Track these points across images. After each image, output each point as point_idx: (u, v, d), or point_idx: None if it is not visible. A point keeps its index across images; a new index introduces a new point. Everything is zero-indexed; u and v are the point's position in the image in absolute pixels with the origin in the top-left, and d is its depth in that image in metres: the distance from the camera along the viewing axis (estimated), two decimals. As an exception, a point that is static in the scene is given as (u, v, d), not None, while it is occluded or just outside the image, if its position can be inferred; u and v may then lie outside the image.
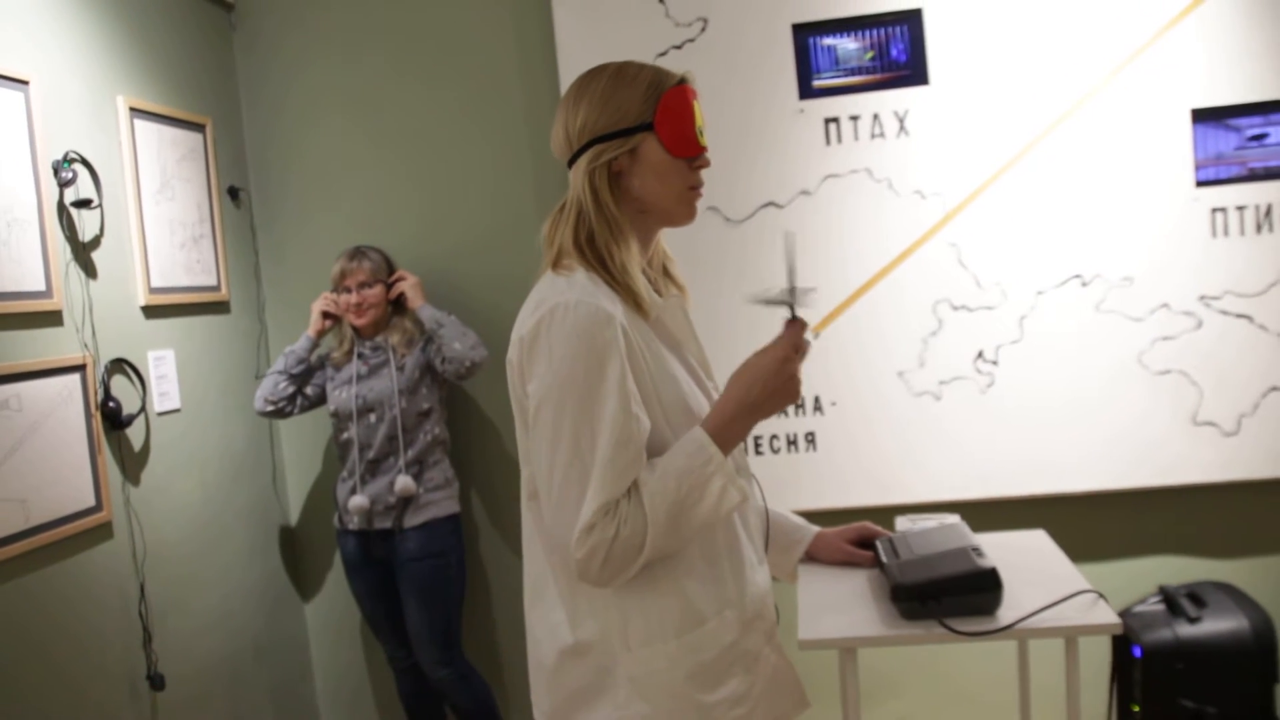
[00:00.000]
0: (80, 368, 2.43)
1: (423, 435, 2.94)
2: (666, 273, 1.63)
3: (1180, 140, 2.81)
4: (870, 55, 2.89)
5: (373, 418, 2.93)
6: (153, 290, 2.71)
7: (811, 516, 3.01)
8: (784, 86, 2.93)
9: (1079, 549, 2.95)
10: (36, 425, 2.30)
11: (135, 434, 2.62)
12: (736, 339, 2.99)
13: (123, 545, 2.53)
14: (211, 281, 3.00)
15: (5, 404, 2.22)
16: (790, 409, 2.98)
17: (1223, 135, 2.81)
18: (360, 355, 2.97)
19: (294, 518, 3.38)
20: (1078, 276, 2.86)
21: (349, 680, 3.40)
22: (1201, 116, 2.81)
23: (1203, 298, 2.83)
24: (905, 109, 2.88)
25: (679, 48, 2.96)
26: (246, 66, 3.26)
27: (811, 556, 1.82)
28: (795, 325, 1.44)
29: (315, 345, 2.99)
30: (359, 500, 2.91)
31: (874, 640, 1.52)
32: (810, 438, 2.99)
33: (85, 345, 2.46)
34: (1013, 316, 2.89)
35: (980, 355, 2.91)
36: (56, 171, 2.40)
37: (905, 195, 2.90)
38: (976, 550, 1.57)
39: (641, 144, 1.45)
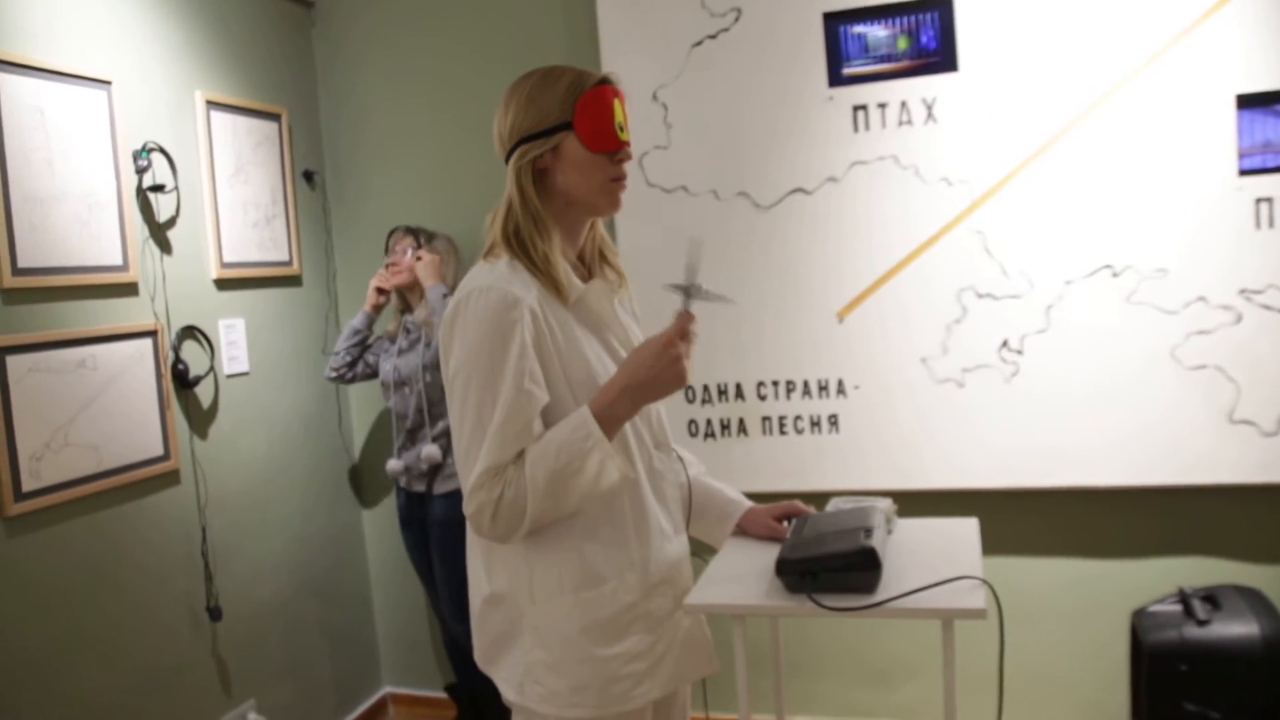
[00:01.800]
0: (152, 333, 2.76)
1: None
2: (603, 257, 1.77)
3: (1223, 127, 2.71)
4: (905, 42, 2.91)
5: (407, 390, 3.15)
6: (224, 265, 3.02)
7: (834, 496, 3.11)
8: (814, 74, 2.98)
9: (1101, 545, 2.93)
10: (110, 382, 2.63)
11: (204, 393, 2.95)
12: (762, 321, 3.12)
13: (188, 492, 2.86)
14: (283, 257, 3.30)
15: (82, 363, 2.56)
16: (815, 390, 3.06)
17: (1271, 122, 2.70)
18: (405, 330, 3.21)
19: (362, 475, 3.68)
20: (1108, 267, 2.81)
21: (411, 629, 3.69)
22: (1247, 102, 2.70)
23: (1243, 291, 2.73)
24: (934, 96, 2.89)
25: (714, 37, 3.05)
26: (323, 57, 3.55)
27: (742, 529, 1.93)
28: (683, 316, 1.57)
29: (371, 319, 3.26)
30: (394, 464, 3.18)
31: (747, 609, 1.63)
32: (833, 420, 3.06)
33: (157, 314, 2.78)
34: (1039, 306, 2.87)
35: (1005, 344, 2.90)
36: (135, 160, 2.73)
37: (932, 182, 2.92)
38: (867, 532, 1.65)
39: (563, 142, 1.60)
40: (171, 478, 2.81)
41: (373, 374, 3.31)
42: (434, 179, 3.45)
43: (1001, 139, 2.85)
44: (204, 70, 3.00)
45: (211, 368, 2.96)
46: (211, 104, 3.00)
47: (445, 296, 3.04)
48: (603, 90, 1.61)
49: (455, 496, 3.10)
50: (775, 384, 3.10)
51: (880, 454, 3.03)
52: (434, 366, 3.11)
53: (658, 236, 3.10)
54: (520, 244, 1.60)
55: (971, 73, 2.85)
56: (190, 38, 2.95)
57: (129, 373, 2.69)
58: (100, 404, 2.60)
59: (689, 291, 1.58)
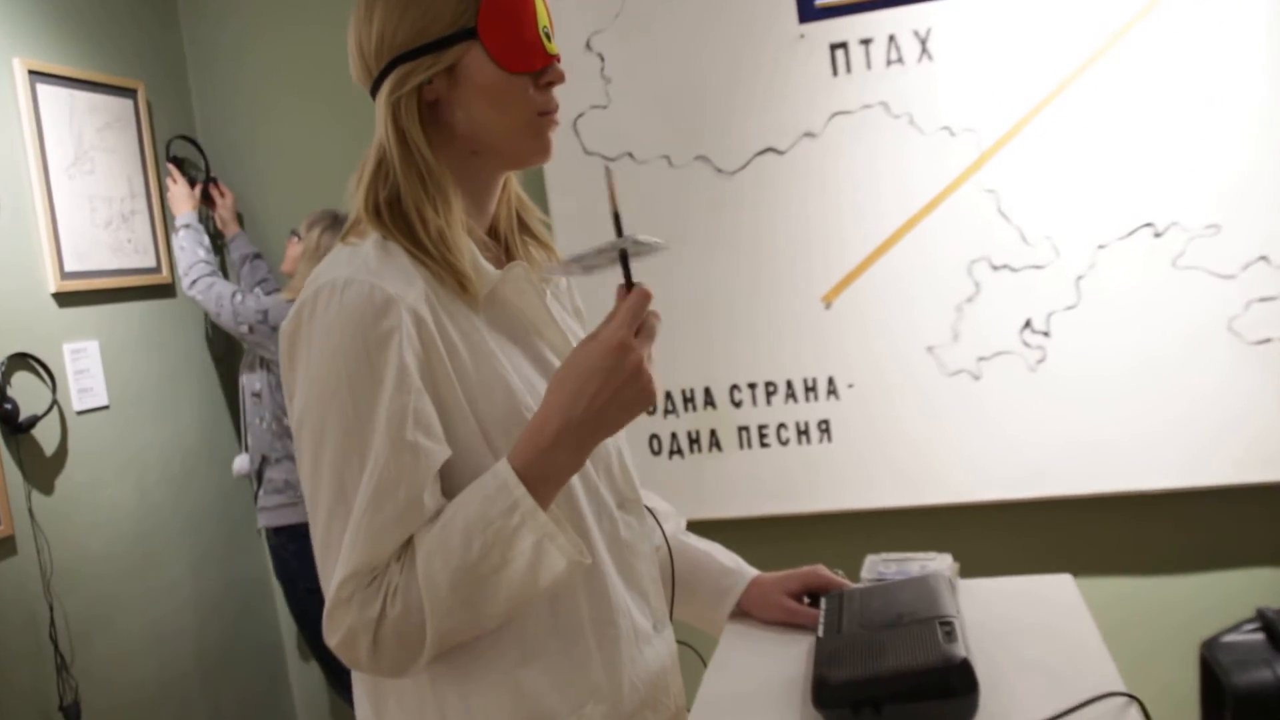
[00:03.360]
0: (-35, 367, 2.17)
1: (257, 420, 2.73)
2: (524, 228, 1.22)
3: (1282, 47, 2.22)
4: (889, -35, 2.38)
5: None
6: (66, 275, 2.43)
7: (830, 520, 2.60)
8: (780, 8, 2.44)
9: (1156, 560, 2.44)
10: (-95, 434, 2.05)
11: (46, 437, 2.36)
12: (733, 310, 2.58)
13: (27, 563, 2.28)
14: (148, 263, 2.71)
15: None
16: (800, 391, 2.53)
17: (1340, 39, 2.21)
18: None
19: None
20: (1149, 225, 2.31)
21: (337, 698, 3.13)
22: (1311, 16, 2.21)
23: (1315, 246, 2.25)
24: (928, 27, 2.37)
25: (656, -31, 2.51)
26: (190, 13, 2.94)
27: (745, 610, 1.37)
28: (634, 294, 0.98)
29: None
30: (236, 460, 2.87)
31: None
32: (824, 427, 2.53)
33: (-30, 341, 2.20)
34: (1067, 277, 2.36)
35: (1028, 325, 2.39)
36: (-71, 146, 2.14)
37: (930, 133, 2.39)
38: (947, 627, 1.09)
39: (463, 58, 1.05)
40: (3, 547, 2.23)
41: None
42: (345, 153, 2.87)
43: (1013, 76, 2.33)
44: (25, 33, 2.40)
45: (54, 404, 2.37)
46: (37, 75, 2.40)
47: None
48: None
49: (270, 538, 2.76)
50: (752, 386, 2.57)
51: (883, 465, 2.51)
52: (248, 368, 2.77)
53: (600, 216, 2.55)
54: (398, 217, 1.05)
55: (973, -5, 2.34)
56: (3, -7, 2.36)
57: (-67, 419, 2.10)
58: (-107, 462, 2.02)
59: (626, 251, 0.99)
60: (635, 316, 0.97)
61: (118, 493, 2.54)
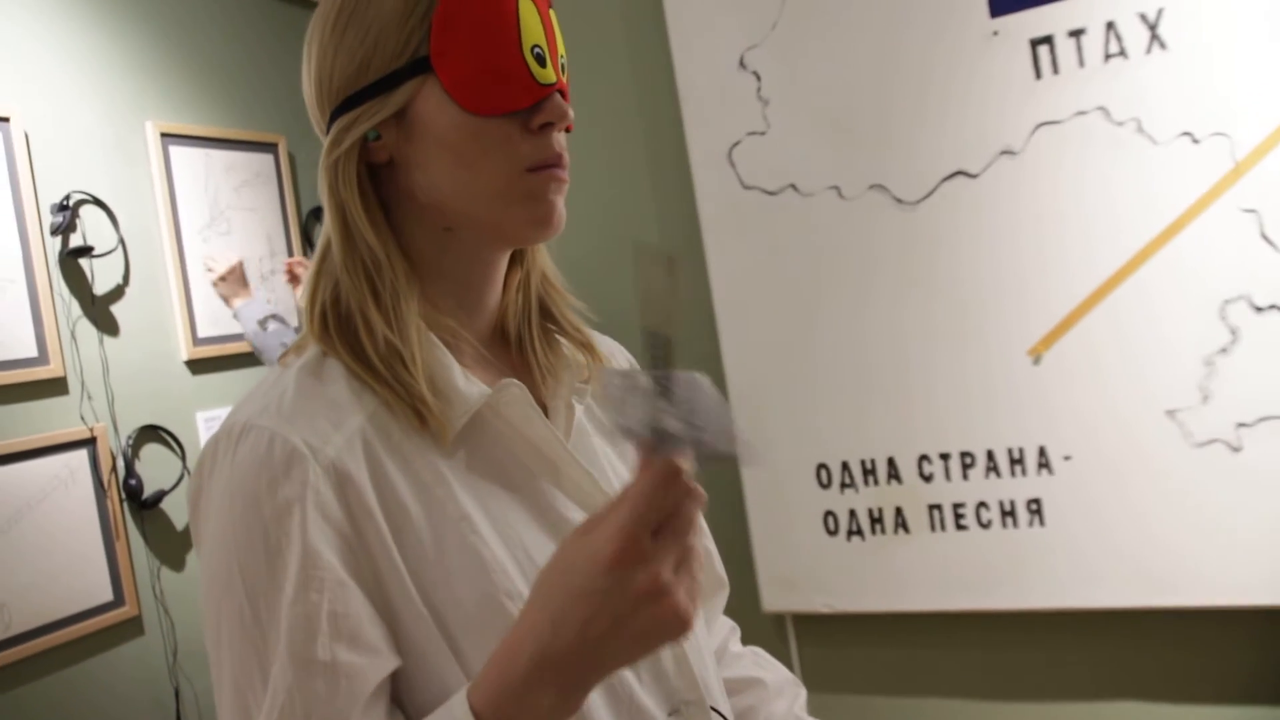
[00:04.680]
0: (88, 442, 2.10)
1: None
2: (553, 323, 0.91)
3: None
4: (1108, -63, 1.91)
5: None
6: (199, 341, 2.34)
7: (1040, 620, 2.12)
8: (968, 1, 2.02)
9: None
10: (21, 514, 1.98)
11: (176, 511, 2.27)
12: (922, 368, 2.13)
13: (153, 644, 2.18)
14: (289, 322, 2.60)
15: (-25, 494, 1.92)
16: (1004, 464, 2.07)
17: None
18: None
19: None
20: None
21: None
22: None
23: None
24: (1158, 8, 1.87)
25: (817, -31, 2.14)
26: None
27: None
28: (655, 471, 0.62)
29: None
30: None
31: None
32: (1034, 507, 2.06)
33: (96, 415, 2.12)
34: (1363, 319, 1.80)
35: (1307, 382, 1.84)
36: (54, 217, 2.08)
37: (1166, 142, 1.89)
38: None
39: (415, 100, 0.76)
40: (129, 628, 2.14)
41: None
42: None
43: (1277, 63, 1.81)
44: (155, 96, 2.33)
45: (184, 474, 2.27)
46: (169, 137, 2.33)
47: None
48: None
49: None
50: (945, 457, 2.13)
51: (1111, 556, 2.00)
52: None
53: (765, 262, 2.21)
54: (341, 324, 0.77)
55: (1220, -36, 1.83)
56: (134, 54, 2.29)
57: (52, 499, 2.03)
58: (4, 546, 1.95)
59: (663, 402, 0.62)
60: (654, 505, 0.62)
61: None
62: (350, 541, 0.70)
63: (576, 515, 0.80)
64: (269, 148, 2.59)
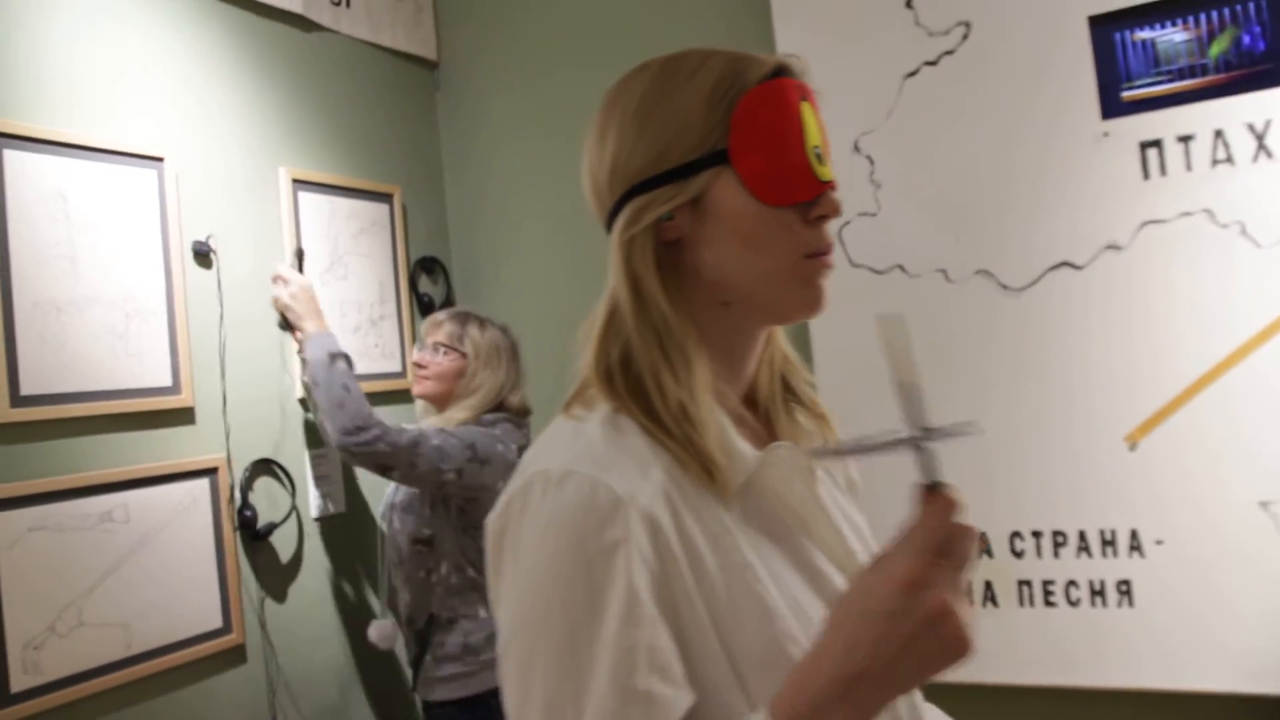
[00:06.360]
0: (210, 471, 2.17)
1: (422, 573, 2.24)
2: (792, 395, 1.00)
3: None
4: (1218, 46, 2.02)
5: (387, 529, 2.35)
6: (313, 381, 2.42)
7: (1125, 699, 2.17)
8: (1080, 102, 2.14)
9: None
10: (148, 539, 2.04)
11: (283, 544, 2.33)
12: (1017, 447, 2.23)
13: (255, 674, 2.23)
14: (393, 367, 2.68)
15: (108, 515, 1.98)
16: (1096, 544, 2.14)
17: None
18: None
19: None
20: None
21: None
22: None
23: None
24: (1267, 120, 1.99)
25: (934, 63, 2.26)
26: (448, 125, 2.96)
27: None
28: (937, 507, 0.72)
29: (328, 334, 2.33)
30: (375, 626, 2.36)
31: None
32: (1124, 588, 2.13)
33: (219, 446, 2.19)
34: None
35: (1400, 482, 1.92)
36: (195, 255, 2.18)
37: (1269, 246, 2.00)
38: None
39: (711, 187, 0.86)
40: (233, 656, 2.19)
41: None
42: (590, 263, 2.77)
43: (1381, 177, 1.92)
44: (289, 142, 2.44)
45: (293, 509, 2.34)
46: (300, 183, 2.44)
47: (335, 359, 2.18)
48: (780, 86, 0.87)
49: (435, 714, 2.24)
50: (1037, 535, 2.20)
51: (1201, 640, 2.07)
52: (405, 507, 2.27)
53: (869, 340, 2.30)
54: (632, 385, 0.85)
55: (1327, 83, 1.95)
56: (272, 102, 2.41)
57: (175, 524, 2.10)
58: (132, 567, 2.01)
59: (923, 437, 0.74)
60: (939, 536, 0.71)
61: (348, 604, 2.48)
62: (660, 584, 0.77)
63: (828, 568, 0.88)
64: (385, 198, 2.69)
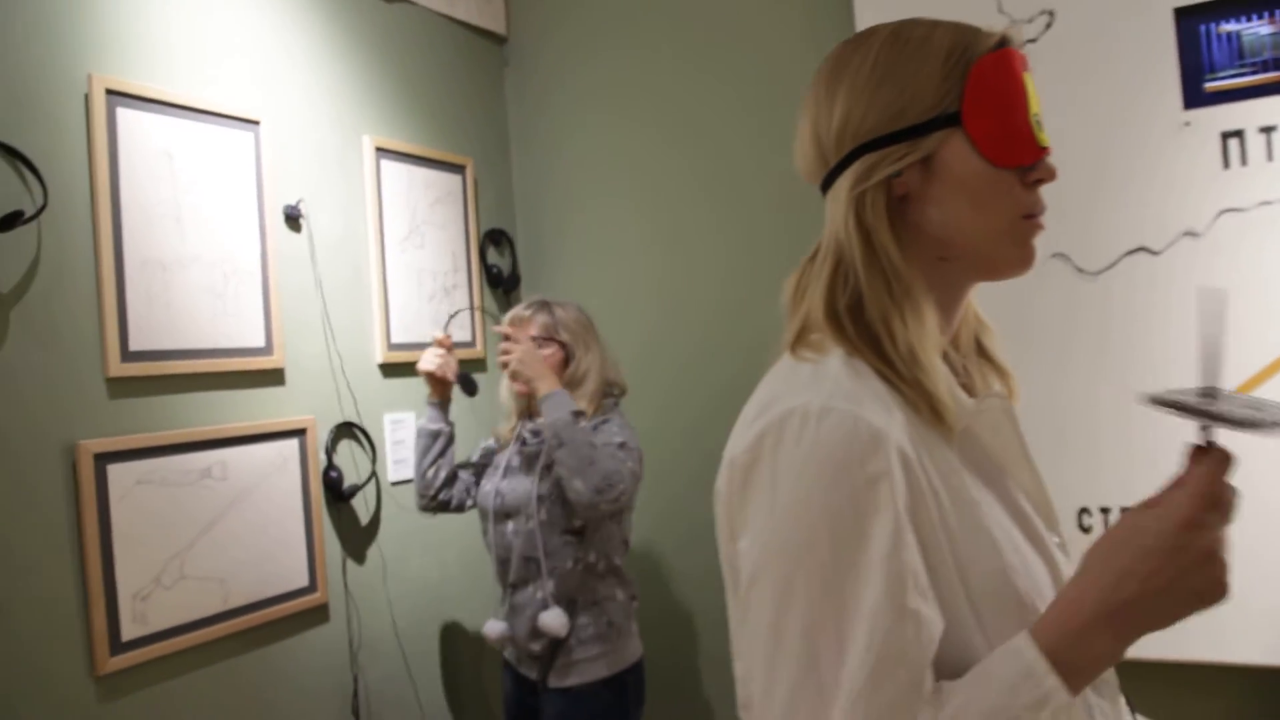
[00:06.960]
0: (300, 432, 2.20)
1: (571, 563, 2.16)
2: (980, 351, 1.06)
3: None
4: (1295, 44, 2.08)
5: (511, 526, 2.19)
6: (392, 347, 2.46)
7: (1169, 670, 2.23)
8: (1163, 93, 2.18)
9: None
10: (243, 496, 2.08)
11: (362, 507, 2.37)
12: (1095, 430, 2.30)
13: (338, 632, 2.27)
14: (464, 336, 2.72)
15: (208, 472, 2.02)
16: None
17: None
18: (521, 440, 2.27)
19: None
20: None
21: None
22: None
23: None
24: (1349, 114, 2.05)
25: (1016, 50, 2.30)
26: (515, 100, 2.99)
27: None
28: (1212, 460, 0.79)
29: (442, 414, 2.32)
30: (493, 626, 2.24)
31: None
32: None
33: (309, 407, 2.23)
34: None
35: None
36: (286, 219, 2.21)
37: (1346, 236, 2.06)
38: None
39: (942, 148, 0.91)
40: (318, 614, 2.23)
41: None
42: (651, 240, 2.81)
43: None
44: (372, 111, 2.47)
45: (373, 474, 2.37)
46: (382, 152, 2.47)
47: (578, 416, 2.10)
48: (1007, 57, 0.92)
49: (577, 698, 2.15)
50: (1105, 511, 2.26)
51: (1248, 614, 2.13)
52: (554, 498, 2.16)
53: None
54: (864, 329, 0.90)
55: None
56: (357, 71, 2.44)
57: (267, 483, 2.13)
58: (229, 524, 2.05)
59: (1212, 411, 0.79)
60: (1215, 485, 0.77)
61: (419, 569, 2.52)
62: (912, 514, 0.82)
63: (1029, 510, 0.94)
64: (458, 169, 2.72)
